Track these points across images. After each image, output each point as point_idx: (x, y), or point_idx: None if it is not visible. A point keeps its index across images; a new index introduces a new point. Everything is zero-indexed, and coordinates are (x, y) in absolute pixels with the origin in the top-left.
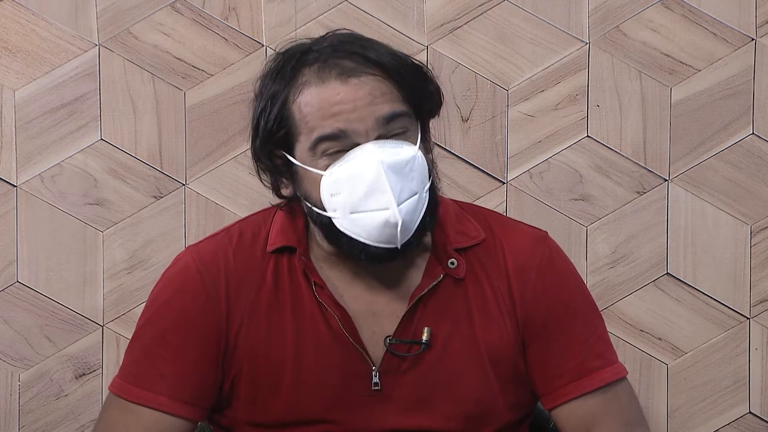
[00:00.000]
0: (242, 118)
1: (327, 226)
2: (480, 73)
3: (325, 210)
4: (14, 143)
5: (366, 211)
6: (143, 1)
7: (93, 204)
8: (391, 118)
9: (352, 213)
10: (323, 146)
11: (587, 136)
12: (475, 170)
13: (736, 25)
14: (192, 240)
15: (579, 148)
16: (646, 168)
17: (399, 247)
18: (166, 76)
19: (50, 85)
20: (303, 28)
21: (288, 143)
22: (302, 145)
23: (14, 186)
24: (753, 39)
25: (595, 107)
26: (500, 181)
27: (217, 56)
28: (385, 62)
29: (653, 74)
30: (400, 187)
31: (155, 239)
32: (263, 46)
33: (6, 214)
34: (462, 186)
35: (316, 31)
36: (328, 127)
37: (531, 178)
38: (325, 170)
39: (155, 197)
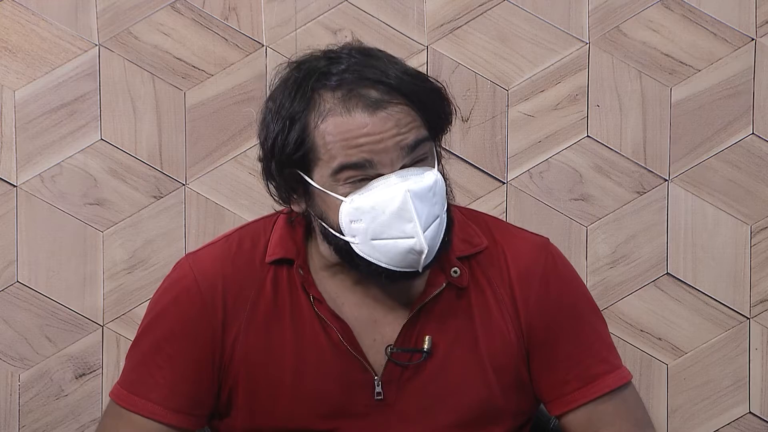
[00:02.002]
0: (242, 118)
1: (343, 248)
2: (480, 73)
3: (342, 234)
4: (14, 143)
5: (389, 239)
6: (143, 1)
7: (93, 204)
8: (415, 146)
9: (373, 240)
10: (346, 174)
11: (587, 136)
12: (475, 170)
13: (736, 25)
14: (192, 240)
15: (579, 148)
16: (646, 168)
17: (420, 270)
18: (166, 76)
19: (50, 85)
20: (303, 28)
21: (306, 165)
22: (322, 170)
23: (14, 186)
24: (753, 39)
25: (595, 107)
26: (500, 181)
27: (217, 56)
28: (407, 90)
29: (653, 74)
30: (425, 214)
31: (155, 239)
32: (263, 46)
33: (6, 214)
34: (462, 186)
35: (316, 31)
36: (353, 157)
37: (531, 178)
38: (345, 197)
39: (155, 197)
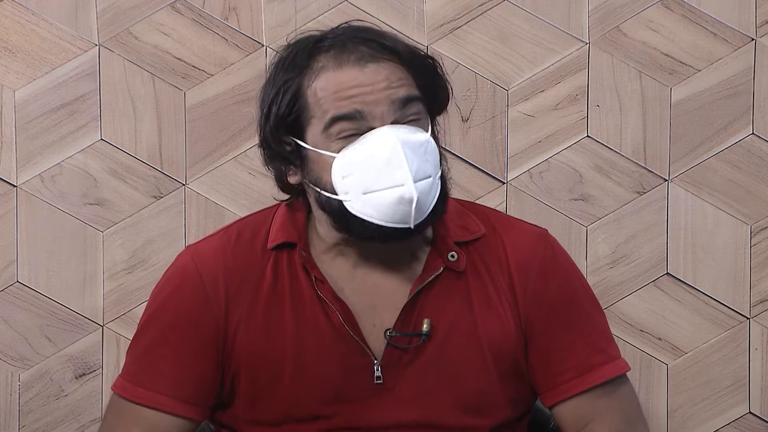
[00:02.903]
0: (242, 118)
1: (337, 210)
2: (480, 73)
3: (336, 193)
4: (14, 143)
5: (380, 190)
6: (143, 1)
7: (93, 204)
8: (406, 102)
9: (365, 193)
10: (338, 127)
11: (587, 136)
12: (475, 170)
13: (736, 25)
14: (192, 240)
15: (579, 148)
16: (646, 168)
17: (412, 227)
18: (166, 76)
19: (50, 85)
20: (303, 28)
21: (299, 128)
22: (315, 128)
23: (14, 186)
24: (753, 39)
25: (595, 107)
26: (500, 181)
27: (217, 56)
28: (400, 50)
29: (653, 74)
30: (416, 165)
31: (155, 239)
32: (263, 46)
33: (6, 214)
34: (462, 186)
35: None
36: (344, 108)
37: (531, 178)
38: (338, 153)
39: (155, 197)
